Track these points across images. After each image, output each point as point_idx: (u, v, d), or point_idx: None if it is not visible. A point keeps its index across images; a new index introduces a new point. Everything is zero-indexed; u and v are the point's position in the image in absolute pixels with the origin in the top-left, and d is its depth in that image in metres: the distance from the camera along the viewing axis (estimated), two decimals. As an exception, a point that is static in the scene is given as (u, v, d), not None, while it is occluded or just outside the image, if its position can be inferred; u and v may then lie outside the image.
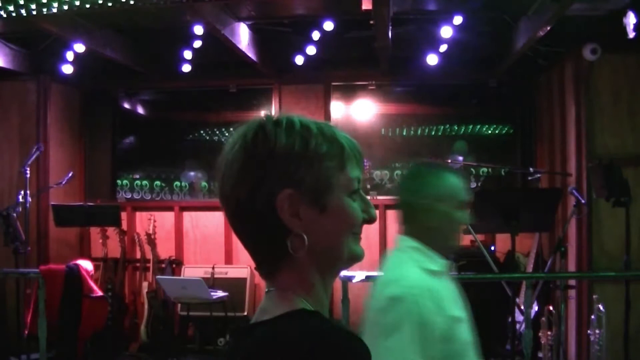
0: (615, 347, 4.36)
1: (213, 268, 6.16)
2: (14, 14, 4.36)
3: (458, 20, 5.09)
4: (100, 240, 6.41)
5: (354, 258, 1.04)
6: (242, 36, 5.42)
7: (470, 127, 6.94)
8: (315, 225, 0.98)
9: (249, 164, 0.98)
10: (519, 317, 4.55)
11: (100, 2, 4.21)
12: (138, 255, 6.52)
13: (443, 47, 5.49)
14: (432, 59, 5.67)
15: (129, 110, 7.41)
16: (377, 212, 4.07)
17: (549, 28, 4.69)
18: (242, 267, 6.22)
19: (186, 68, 5.96)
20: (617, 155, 4.89)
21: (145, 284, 6.27)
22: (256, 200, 0.97)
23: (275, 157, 0.97)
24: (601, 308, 4.36)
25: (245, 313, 6.03)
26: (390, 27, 4.94)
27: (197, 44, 5.56)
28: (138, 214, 6.75)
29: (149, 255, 6.39)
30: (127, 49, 6.01)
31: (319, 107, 6.53)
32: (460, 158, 6.45)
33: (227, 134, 7.31)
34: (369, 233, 5.53)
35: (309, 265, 1.00)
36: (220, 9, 4.86)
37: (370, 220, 1.06)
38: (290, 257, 0.98)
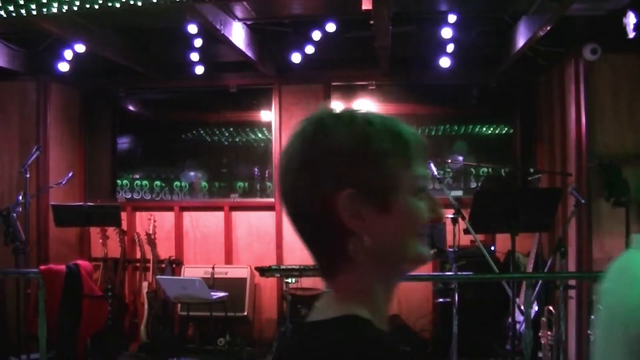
0: (615, 347, 4.36)
1: (213, 268, 6.15)
2: (14, 14, 4.35)
3: (458, 20, 5.08)
4: (100, 240, 6.41)
5: (420, 260, 0.98)
6: (242, 36, 5.42)
7: (470, 127, 6.94)
8: (377, 227, 0.92)
9: (307, 161, 0.93)
10: (519, 317, 4.55)
11: (100, 2, 4.20)
12: (138, 255, 6.52)
13: (450, 47, 5.48)
14: (444, 62, 5.68)
15: (129, 110, 7.42)
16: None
17: (549, 28, 4.69)
18: (242, 267, 6.19)
19: (187, 68, 5.96)
20: (617, 155, 4.89)
21: (145, 284, 6.27)
22: (315, 200, 0.92)
23: (334, 154, 0.91)
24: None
25: (245, 313, 6.02)
26: (390, 27, 4.94)
27: (197, 43, 5.56)
28: (138, 214, 6.75)
29: (149, 255, 6.39)
30: (127, 49, 6.01)
31: (319, 107, 6.50)
32: (460, 158, 6.46)
33: (227, 134, 7.31)
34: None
35: (369, 268, 0.94)
36: (220, 8, 4.86)
37: (438, 219, 1.00)
38: (350, 259, 0.93)
